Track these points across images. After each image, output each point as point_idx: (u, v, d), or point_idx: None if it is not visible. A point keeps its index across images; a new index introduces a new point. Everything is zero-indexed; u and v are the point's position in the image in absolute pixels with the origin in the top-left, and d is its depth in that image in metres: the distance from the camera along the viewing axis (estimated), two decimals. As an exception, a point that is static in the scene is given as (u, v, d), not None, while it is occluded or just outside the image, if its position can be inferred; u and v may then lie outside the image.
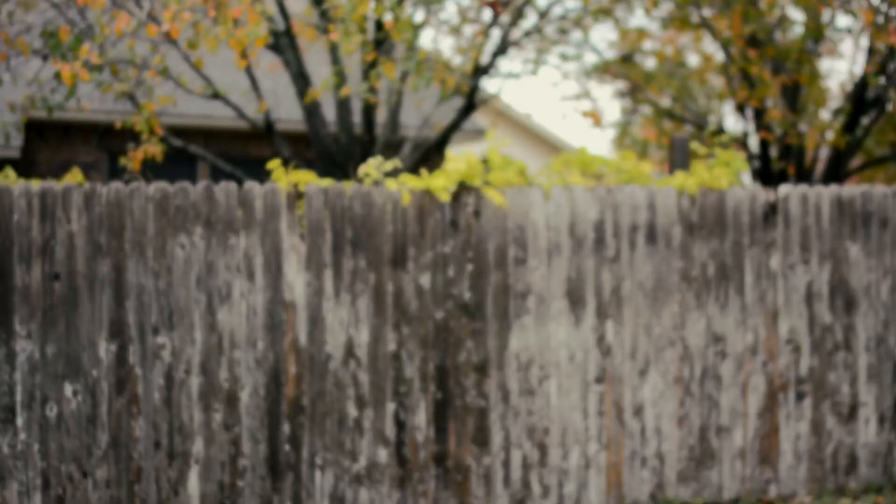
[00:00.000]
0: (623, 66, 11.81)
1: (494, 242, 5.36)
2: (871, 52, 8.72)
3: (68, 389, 4.76)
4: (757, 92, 9.16)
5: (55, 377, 4.75)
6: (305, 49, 9.36)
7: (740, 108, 10.71)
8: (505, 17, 9.48)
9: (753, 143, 10.97)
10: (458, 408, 5.29)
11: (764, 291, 5.77)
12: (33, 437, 4.72)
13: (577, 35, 11.44)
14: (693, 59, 12.99)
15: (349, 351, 5.11)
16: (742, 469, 5.73)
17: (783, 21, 9.66)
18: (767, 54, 9.24)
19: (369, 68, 7.60)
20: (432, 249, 5.25)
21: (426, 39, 34.15)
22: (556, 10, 11.48)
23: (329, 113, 9.89)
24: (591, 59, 17.41)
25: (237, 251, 4.97)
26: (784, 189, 5.85)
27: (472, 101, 8.53)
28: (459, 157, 5.33)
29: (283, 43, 7.96)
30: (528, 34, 10.22)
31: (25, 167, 10.37)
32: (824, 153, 10.97)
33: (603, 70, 11.88)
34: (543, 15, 10.20)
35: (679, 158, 6.11)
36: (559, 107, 44.86)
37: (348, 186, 5.16)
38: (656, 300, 5.59)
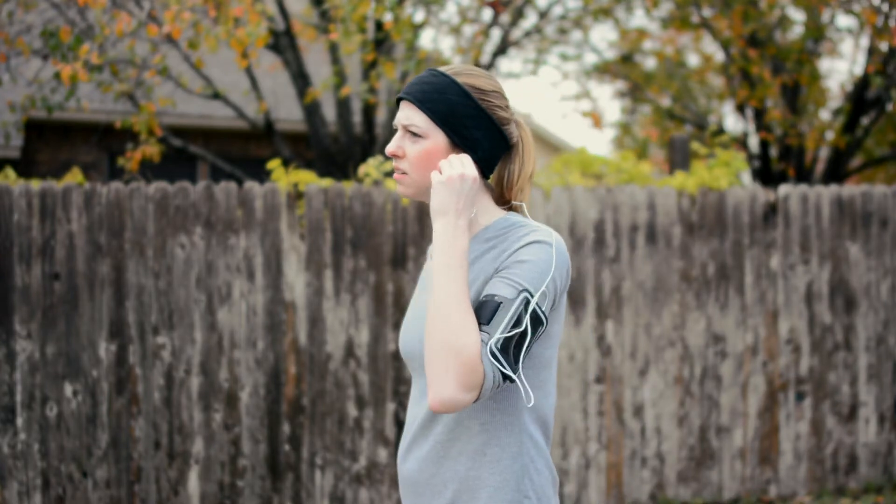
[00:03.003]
0: (623, 66, 11.82)
1: (494, 242, 5.35)
2: (872, 52, 8.72)
3: (68, 389, 4.76)
4: (757, 92, 9.16)
5: (55, 377, 4.75)
6: (305, 49, 9.36)
7: (740, 108, 10.72)
8: (505, 17, 9.49)
9: (753, 143, 10.98)
10: (458, 408, 5.28)
11: (764, 291, 5.77)
12: (33, 437, 4.72)
13: (577, 35, 11.45)
14: (693, 59, 13.00)
15: (349, 351, 5.11)
16: (742, 469, 5.73)
17: (783, 21, 9.66)
18: (767, 54, 9.24)
19: (369, 68, 7.61)
20: (432, 249, 5.24)
21: (426, 39, 34.13)
22: (556, 10, 11.48)
23: (329, 113, 9.89)
24: (591, 59, 17.40)
25: (237, 251, 4.97)
26: (784, 189, 5.85)
27: (471, 101, 8.51)
28: (459, 157, 5.32)
29: (283, 43, 7.96)
30: (528, 34, 10.23)
31: (25, 167, 10.37)
32: (824, 153, 10.99)
33: (603, 70, 11.89)
34: (543, 15, 10.21)
35: (679, 158, 6.11)
36: (559, 107, 44.85)
37: (348, 186, 5.16)
38: (656, 300, 5.59)
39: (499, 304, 1.90)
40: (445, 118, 2.01)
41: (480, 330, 1.89)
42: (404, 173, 2.04)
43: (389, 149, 2.04)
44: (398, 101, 2.07)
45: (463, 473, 1.99)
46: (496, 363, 1.88)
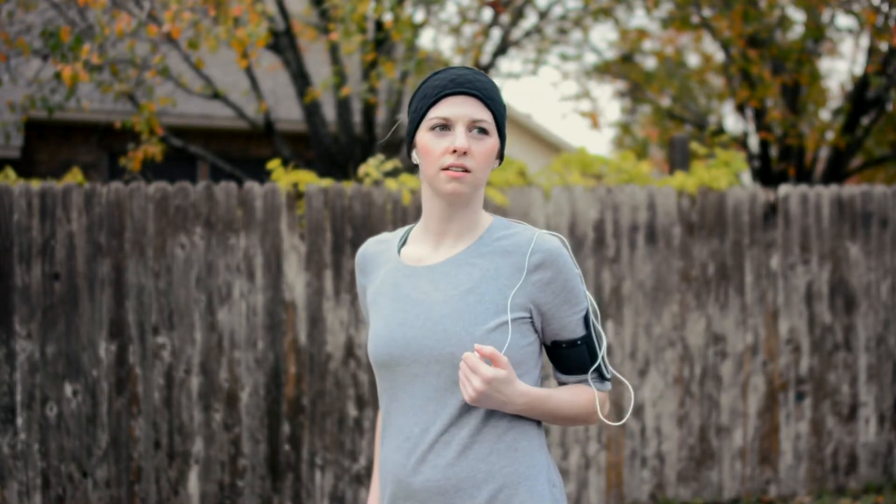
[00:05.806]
0: (623, 66, 11.82)
1: (494, 242, 5.34)
2: (872, 52, 8.73)
3: (68, 389, 4.76)
4: (757, 92, 9.16)
5: (55, 377, 4.75)
6: (305, 49, 9.37)
7: (740, 108, 10.72)
8: (505, 17, 9.49)
9: (753, 143, 10.98)
10: (458, 408, 5.28)
11: (764, 291, 5.77)
12: (33, 437, 4.72)
13: (577, 35, 11.45)
14: (693, 59, 13.00)
15: (349, 351, 5.11)
16: (742, 469, 5.73)
17: (783, 21, 9.66)
18: (767, 54, 9.24)
19: (369, 68, 7.60)
20: (432, 249, 5.24)
21: (426, 39, 34.15)
22: (556, 10, 11.49)
23: (329, 113, 9.89)
24: (591, 59, 17.40)
25: (237, 251, 4.97)
26: (784, 189, 5.85)
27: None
28: (459, 157, 5.30)
29: (283, 43, 7.96)
30: (528, 34, 10.23)
31: (25, 167, 10.37)
32: (824, 153, 10.99)
33: (603, 70, 11.89)
34: (543, 15, 10.21)
35: (679, 158, 6.11)
36: (559, 107, 44.86)
37: (348, 186, 5.16)
38: (656, 300, 5.59)
39: (586, 342, 2.04)
40: (502, 119, 2.02)
41: (589, 370, 2.06)
42: (467, 171, 1.96)
43: (462, 145, 1.94)
44: (443, 95, 1.98)
45: (497, 471, 1.99)
46: (606, 380, 2.10)
